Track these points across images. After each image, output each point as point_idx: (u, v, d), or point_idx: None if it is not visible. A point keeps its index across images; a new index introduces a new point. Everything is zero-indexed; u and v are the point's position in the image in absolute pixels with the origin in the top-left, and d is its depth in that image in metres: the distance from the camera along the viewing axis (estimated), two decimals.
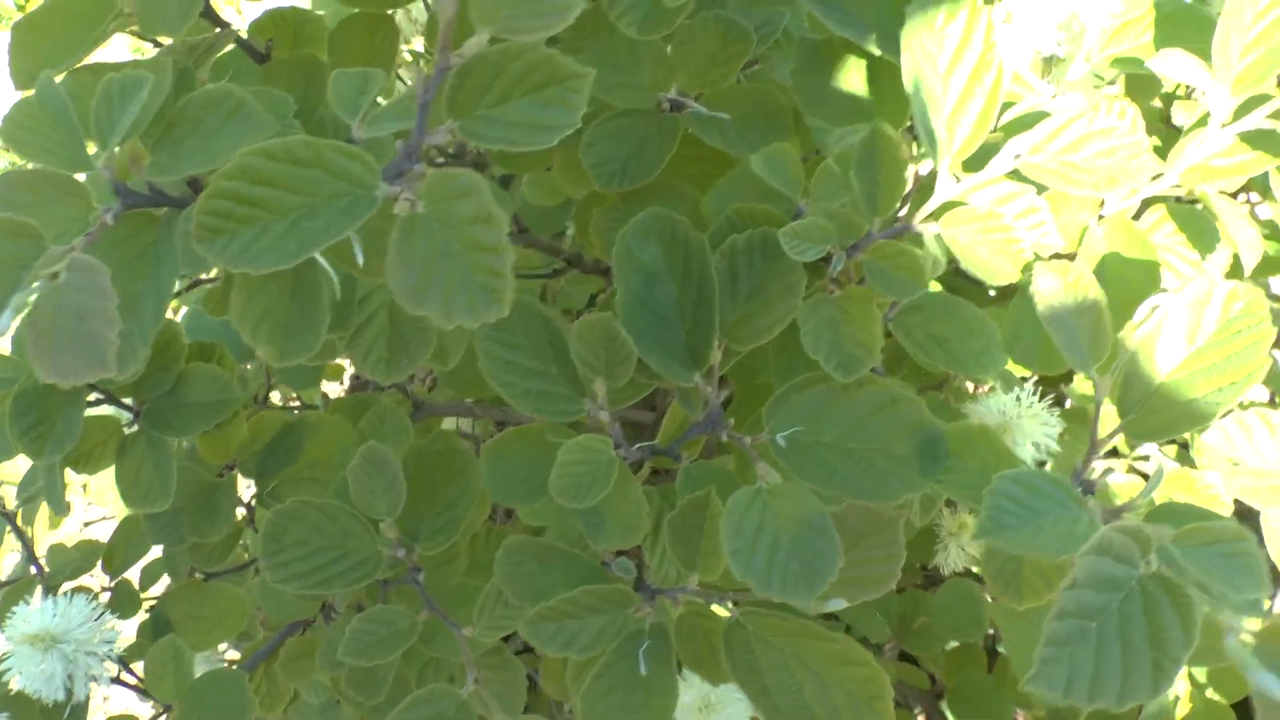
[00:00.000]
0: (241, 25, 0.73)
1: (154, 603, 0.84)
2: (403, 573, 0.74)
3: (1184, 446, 0.78)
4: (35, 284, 0.48)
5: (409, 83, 1.06)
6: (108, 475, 0.78)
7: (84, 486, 1.49)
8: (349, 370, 1.49)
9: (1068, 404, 0.85)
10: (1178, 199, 0.73)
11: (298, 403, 1.24)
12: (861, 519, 0.61)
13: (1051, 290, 0.56)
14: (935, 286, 0.79)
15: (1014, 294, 0.73)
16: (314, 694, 0.92)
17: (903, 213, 0.61)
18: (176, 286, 0.72)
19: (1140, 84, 0.76)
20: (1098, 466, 0.60)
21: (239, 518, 0.84)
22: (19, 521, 0.90)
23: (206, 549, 0.81)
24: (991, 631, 1.15)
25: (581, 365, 0.62)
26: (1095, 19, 0.65)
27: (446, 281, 0.46)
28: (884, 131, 0.58)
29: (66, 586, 0.83)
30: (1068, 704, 0.44)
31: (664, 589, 0.65)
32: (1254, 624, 0.45)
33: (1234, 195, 1.26)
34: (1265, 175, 0.70)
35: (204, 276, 0.97)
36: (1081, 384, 0.84)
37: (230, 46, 0.71)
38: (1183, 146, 0.67)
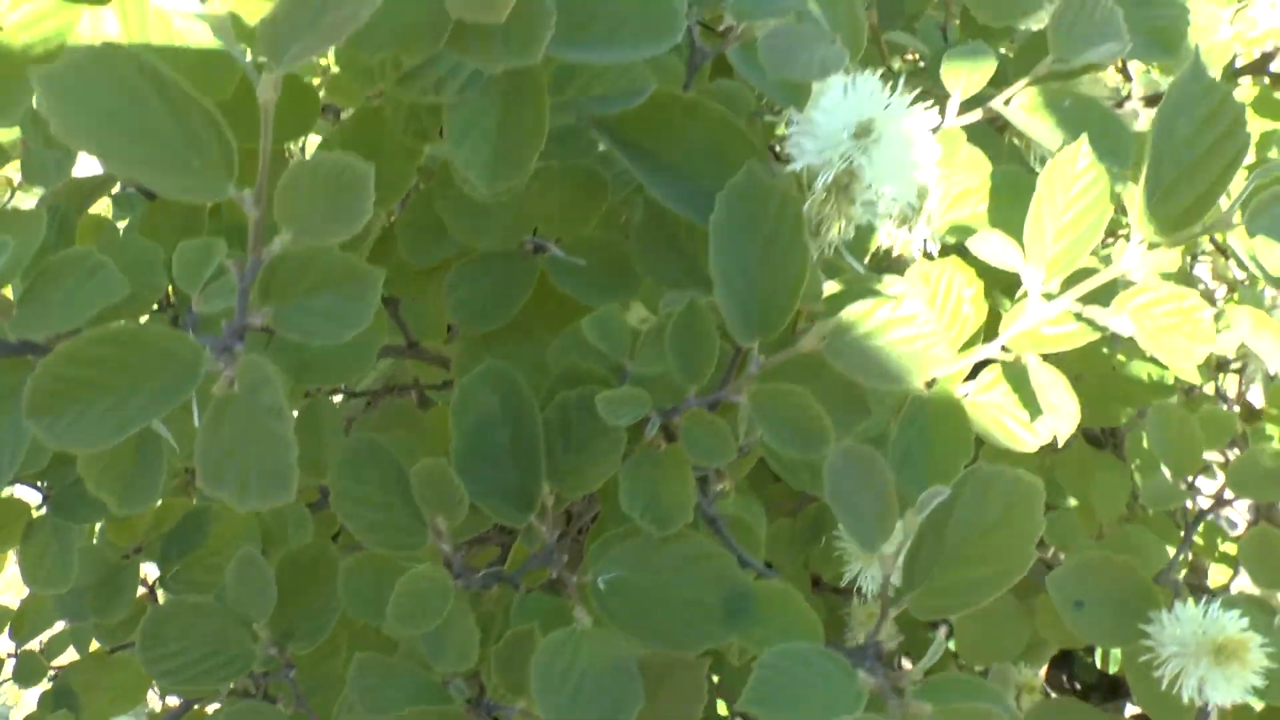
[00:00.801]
0: None
1: (58, 672, 0.90)
2: (276, 668, 0.79)
3: None
4: None
5: None
6: None
7: None
8: None
9: None
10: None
11: None
12: (667, 661, 0.65)
13: (840, 469, 0.59)
14: None
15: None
16: None
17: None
18: None
19: None
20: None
21: (142, 597, 0.89)
22: None
23: (109, 625, 0.87)
24: None
25: (422, 503, 0.67)
26: (936, 184, 0.69)
27: (243, 467, 0.51)
28: (699, 306, 0.62)
29: None
30: None
31: (500, 706, 0.70)
32: None
33: (1193, 256, 1.28)
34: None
35: None
36: None
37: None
38: (1015, 314, 0.71)
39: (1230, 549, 1.17)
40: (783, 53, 0.65)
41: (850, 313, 0.61)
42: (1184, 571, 1.13)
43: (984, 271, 0.73)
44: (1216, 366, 1.04)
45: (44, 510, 0.83)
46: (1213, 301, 1.11)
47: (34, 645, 0.92)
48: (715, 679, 1.08)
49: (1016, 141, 0.86)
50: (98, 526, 0.92)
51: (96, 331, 0.52)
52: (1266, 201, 0.62)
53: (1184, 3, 0.75)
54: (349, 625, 0.84)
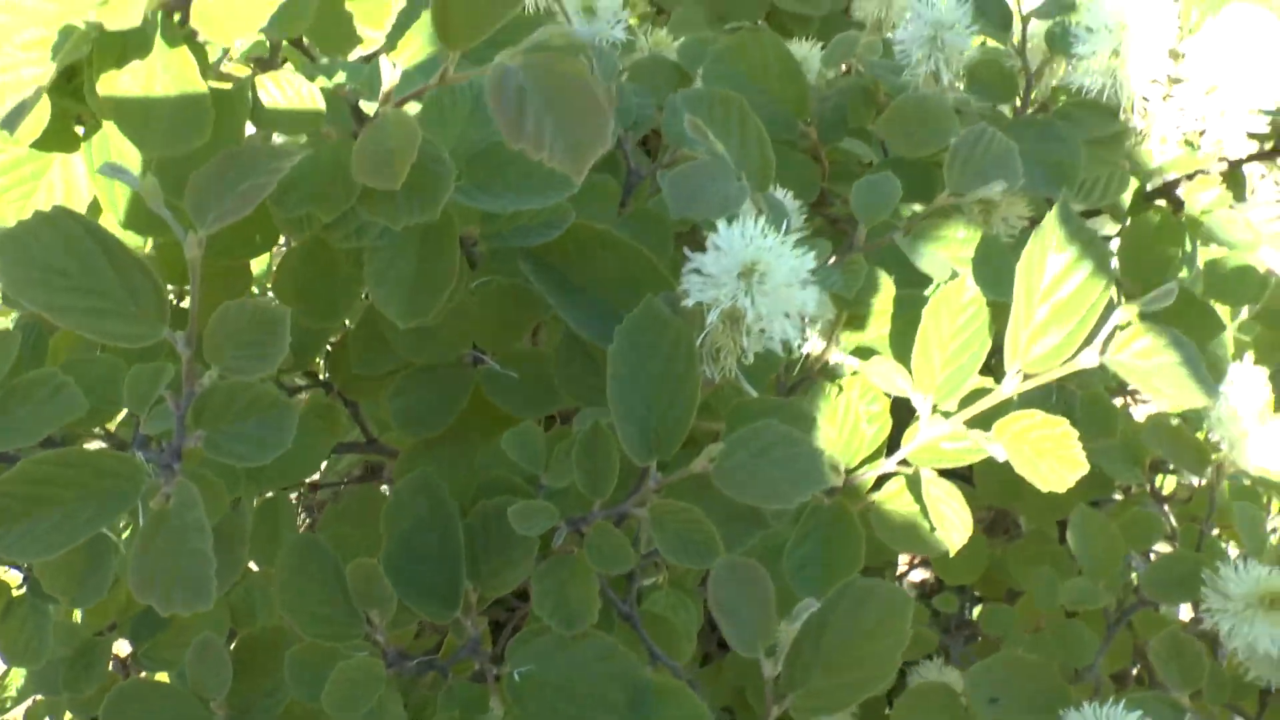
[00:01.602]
0: None
1: None
2: None
3: None
4: None
5: None
6: None
7: None
8: None
9: None
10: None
11: None
12: None
13: (723, 580, 0.65)
14: None
15: None
16: None
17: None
18: None
19: None
20: None
21: (115, 673, 0.95)
22: None
23: (81, 699, 0.93)
24: None
25: (356, 600, 0.73)
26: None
27: (166, 578, 0.57)
28: (602, 428, 0.68)
29: None
30: None
31: None
32: None
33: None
34: None
35: None
36: None
37: None
38: (914, 430, 0.76)
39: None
40: (685, 192, 0.71)
41: (736, 437, 0.66)
42: (1136, 668, 1.16)
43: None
44: (1152, 467, 1.07)
45: (24, 589, 0.89)
46: None
47: (17, 714, 0.98)
48: None
49: None
50: None
51: (47, 454, 0.59)
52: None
53: (1078, 140, 0.81)
54: (301, 704, 0.90)
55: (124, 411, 0.81)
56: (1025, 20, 0.88)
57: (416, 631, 1.03)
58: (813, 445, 0.66)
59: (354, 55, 0.60)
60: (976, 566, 1.10)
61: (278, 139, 0.64)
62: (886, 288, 0.79)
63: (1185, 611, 1.25)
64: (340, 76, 0.60)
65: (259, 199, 0.52)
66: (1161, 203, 0.92)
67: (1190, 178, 0.84)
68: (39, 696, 0.98)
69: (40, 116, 0.61)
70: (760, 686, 0.65)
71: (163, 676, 0.99)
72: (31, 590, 0.88)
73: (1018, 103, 0.93)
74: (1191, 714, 0.84)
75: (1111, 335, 0.67)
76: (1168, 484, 1.15)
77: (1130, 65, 0.79)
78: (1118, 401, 1.15)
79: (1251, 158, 0.89)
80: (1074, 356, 0.68)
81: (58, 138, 0.65)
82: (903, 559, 1.40)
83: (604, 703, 0.69)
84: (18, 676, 0.97)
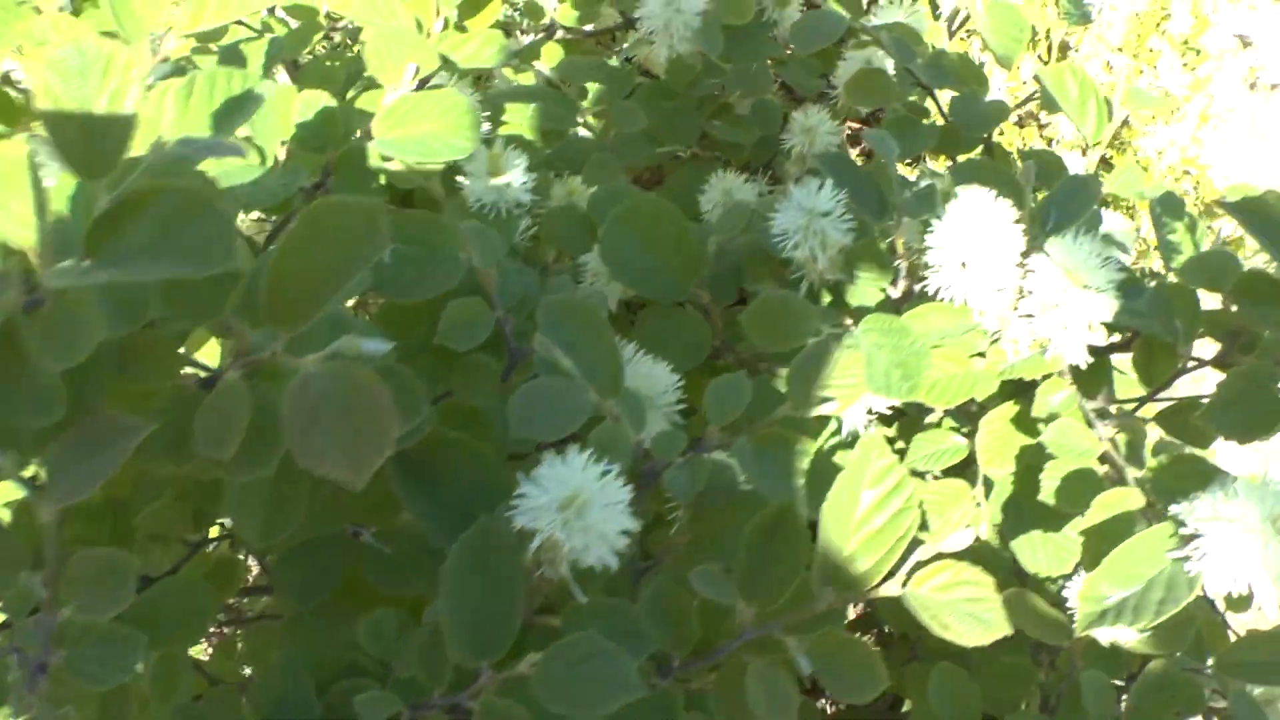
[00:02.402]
0: None
1: None
2: None
3: None
4: None
5: None
6: None
7: None
8: None
9: None
10: None
11: None
12: None
13: None
14: None
15: None
16: None
17: None
18: None
19: None
20: None
21: None
22: None
23: None
24: None
25: None
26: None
27: None
28: (439, 628, 0.74)
29: None
30: None
31: None
32: None
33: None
34: None
35: None
36: None
37: None
38: (739, 628, 0.82)
39: None
40: (526, 410, 0.78)
41: (556, 647, 0.72)
42: None
43: None
44: None
45: None
46: None
47: None
48: None
49: None
50: None
51: None
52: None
53: (926, 345, 0.86)
54: None
55: None
56: (898, 213, 0.93)
57: None
58: (627, 658, 0.72)
59: None
60: None
61: None
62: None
63: None
64: None
65: (119, 462, 0.60)
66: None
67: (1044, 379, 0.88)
68: None
69: None
70: None
71: None
72: None
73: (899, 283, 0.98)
74: None
75: (915, 569, 0.73)
76: None
77: (973, 278, 0.84)
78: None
79: (1113, 348, 0.93)
80: (879, 585, 0.73)
81: None
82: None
83: None
84: None
